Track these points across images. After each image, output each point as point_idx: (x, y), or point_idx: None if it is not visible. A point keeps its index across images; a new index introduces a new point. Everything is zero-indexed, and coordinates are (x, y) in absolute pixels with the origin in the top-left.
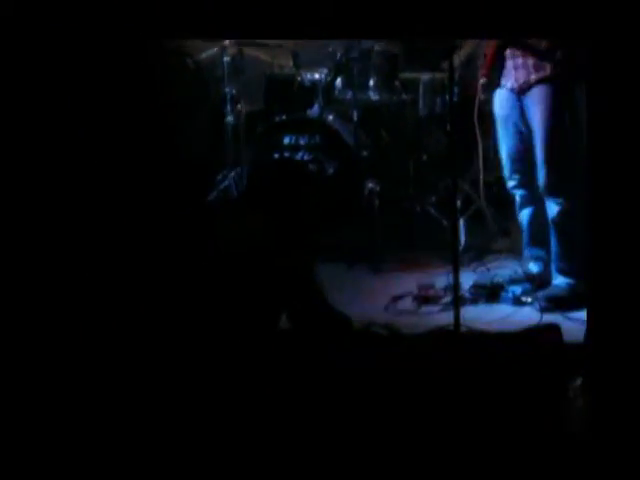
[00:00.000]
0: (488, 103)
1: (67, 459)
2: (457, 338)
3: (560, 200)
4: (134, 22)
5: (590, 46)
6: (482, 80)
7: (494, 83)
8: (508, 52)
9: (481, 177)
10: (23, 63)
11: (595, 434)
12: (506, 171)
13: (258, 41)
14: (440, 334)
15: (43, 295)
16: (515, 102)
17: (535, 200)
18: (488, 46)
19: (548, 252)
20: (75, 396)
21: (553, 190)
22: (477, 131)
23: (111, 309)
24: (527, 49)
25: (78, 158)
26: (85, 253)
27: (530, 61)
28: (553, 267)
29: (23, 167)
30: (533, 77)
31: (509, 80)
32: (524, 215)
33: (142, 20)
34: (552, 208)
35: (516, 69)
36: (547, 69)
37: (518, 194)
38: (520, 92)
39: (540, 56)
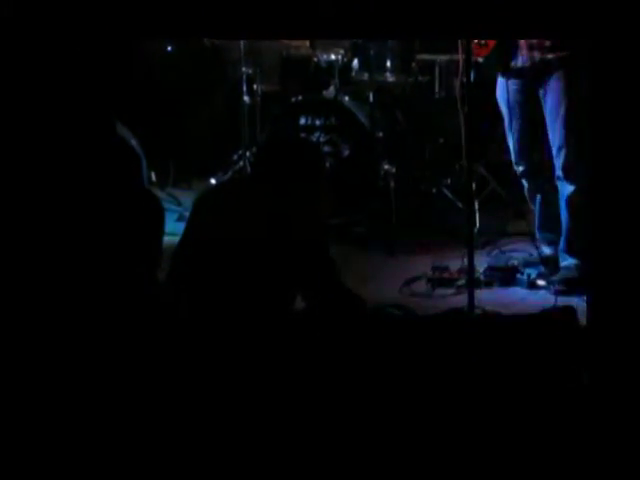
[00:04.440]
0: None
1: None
2: (471, 320)
3: (577, 181)
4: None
5: (590, 45)
6: (480, 59)
7: (496, 64)
8: None
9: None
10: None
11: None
12: (513, 157)
13: None
14: (454, 316)
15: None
16: (522, 87)
17: (542, 189)
18: None
19: (559, 236)
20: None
21: (571, 170)
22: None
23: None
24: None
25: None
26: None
27: (547, 42)
28: (561, 248)
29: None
30: (551, 55)
31: (520, 59)
32: (536, 202)
33: (148, 19)
34: (566, 188)
35: (531, 49)
36: (565, 49)
37: (525, 182)
38: (532, 75)
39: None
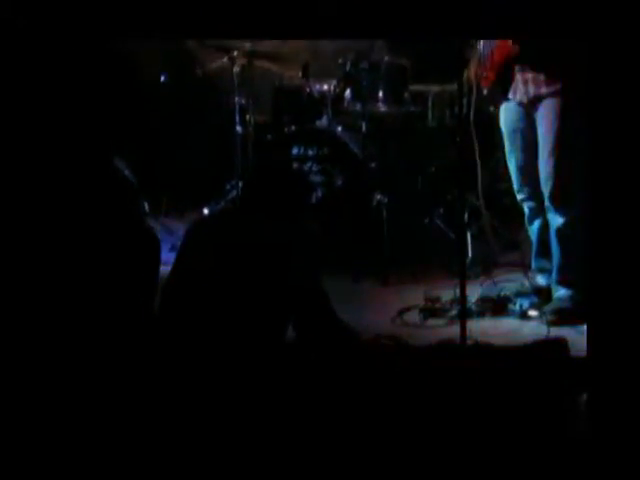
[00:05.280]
0: (496, 115)
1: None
2: (463, 352)
3: (565, 211)
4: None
5: (588, 46)
6: (484, 91)
7: (497, 96)
8: (517, 66)
9: (480, 191)
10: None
11: (598, 445)
12: (515, 184)
13: (268, 52)
14: (446, 347)
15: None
16: (524, 115)
17: (544, 212)
18: (493, 55)
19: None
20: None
21: (559, 201)
22: (475, 143)
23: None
24: (537, 64)
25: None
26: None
27: (541, 76)
28: (554, 279)
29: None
30: (544, 90)
31: (518, 94)
32: (534, 227)
33: (152, 17)
34: (556, 219)
35: (526, 83)
36: (557, 84)
37: (527, 206)
38: (530, 105)
39: (550, 71)
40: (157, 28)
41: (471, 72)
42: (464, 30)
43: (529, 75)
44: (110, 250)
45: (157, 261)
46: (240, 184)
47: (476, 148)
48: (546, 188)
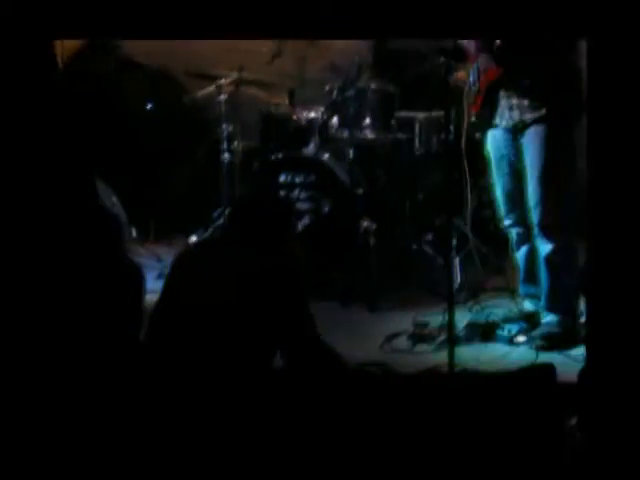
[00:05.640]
0: (482, 142)
1: None
2: (451, 379)
3: (553, 238)
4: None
5: (588, 44)
6: (472, 118)
7: (485, 122)
8: (502, 92)
9: (468, 218)
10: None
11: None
12: (502, 210)
13: (255, 79)
14: (434, 374)
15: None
16: (510, 141)
17: (531, 237)
18: (481, 81)
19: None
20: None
21: (547, 228)
22: (465, 169)
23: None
24: (521, 90)
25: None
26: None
27: (525, 102)
28: (543, 305)
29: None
30: (528, 117)
31: (503, 119)
32: (520, 253)
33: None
34: (544, 246)
35: (510, 109)
36: (542, 109)
37: (514, 232)
38: (516, 131)
39: (534, 97)
40: (158, 28)
41: (458, 76)
42: (464, 30)
43: (514, 101)
44: (92, 284)
45: (140, 295)
46: (226, 212)
47: (466, 174)
48: (535, 215)
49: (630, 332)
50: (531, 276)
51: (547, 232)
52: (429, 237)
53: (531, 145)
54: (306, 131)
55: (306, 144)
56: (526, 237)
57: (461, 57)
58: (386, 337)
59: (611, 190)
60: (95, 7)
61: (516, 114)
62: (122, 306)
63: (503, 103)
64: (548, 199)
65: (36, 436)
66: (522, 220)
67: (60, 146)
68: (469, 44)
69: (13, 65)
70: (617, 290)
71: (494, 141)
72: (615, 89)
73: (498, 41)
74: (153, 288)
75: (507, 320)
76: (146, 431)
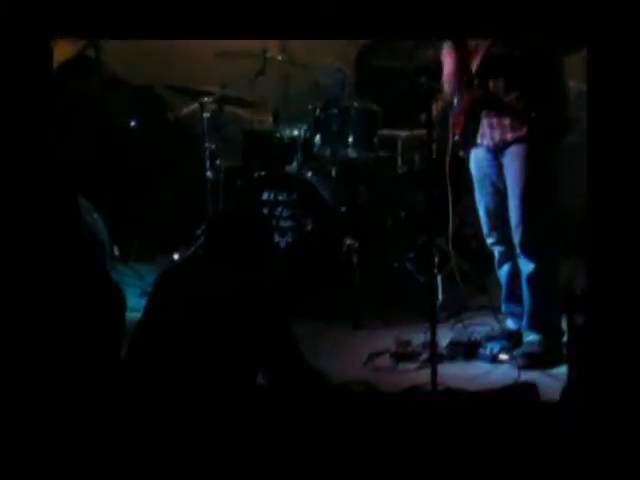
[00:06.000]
0: (466, 160)
1: None
2: (434, 397)
3: (535, 257)
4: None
5: (589, 45)
6: (456, 137)
7: (469, 141)
8: (484, 111)
9: (450, 237)
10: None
11: None
12: (485, 228)
13: (238, 97)
14: (416, 393)
15: None
16: (492, 160)
17: (514, 256)
18: (461, 103)
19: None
20: None
21: (529, 248)
22: (449, 188)
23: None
24: (502, 109)
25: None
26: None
27: (506, 121)
28: (525, 324)
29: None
30: (509, 136)
31: (485, 139)
32: (503, 271)
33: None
34: (527, 265)
35: (492, 128)
36: (522, 129)
37: (497, 250)
38: (497, 151)
39: (515, 116)
40: (159, 27)
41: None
42: (463, 29)
43: (494, 120)
44: (72, 303)
45: (120, 314)
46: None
47: (449, 192)
48: (516, 235)
49: (612, 352)
50: (514, 294)
51: (529, 251)
52: (411, 255)
53: (512, 164)
54: (289, 149)
55: (289, 162)
56: (509, 255)
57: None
58: (369, 355)
59: (611, 193)
60: (95, 7)
61: (497, 133)
62: (102, 325)
63: (485, 122)
64: (529, 219)
65: (18, 452)
66: (505, 238)
67: (46, 157)
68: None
69: (10, 64)
70: (600, 307)
71: (477, 160)
72: (615, 92)
73: (476, 63)
74: (136, 306)
75: (489, 338)
76: (128, 449)
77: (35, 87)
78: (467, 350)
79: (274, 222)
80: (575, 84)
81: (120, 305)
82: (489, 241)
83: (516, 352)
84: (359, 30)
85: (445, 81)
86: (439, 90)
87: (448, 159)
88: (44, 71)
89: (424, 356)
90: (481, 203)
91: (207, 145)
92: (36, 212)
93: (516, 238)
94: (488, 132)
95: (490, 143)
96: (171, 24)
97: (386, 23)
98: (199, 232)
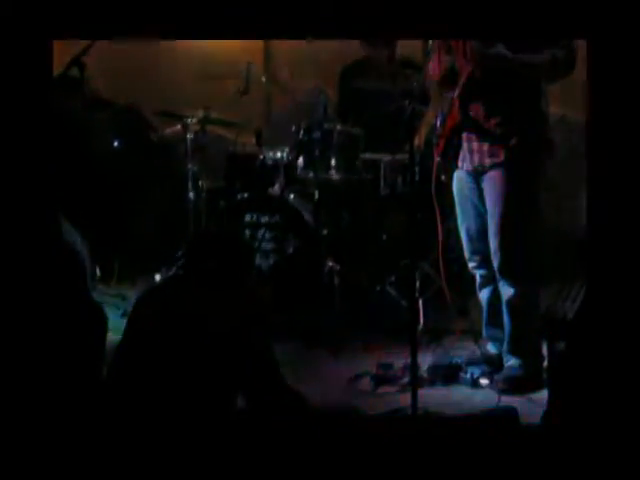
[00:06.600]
0: (449, 183)
1: None
2: (414, 421)
3: (515, 282)
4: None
5: (588, 44)
6: (437, 160)
7: (450, 164)
8: (464, 135)
9: (441, 259)
10: None
11: None
12: (466, 251)
13: (221, 119)
14: (396, 417)
15: None
16: (473, 184)
17: (495, 280)
18: (445, 123)
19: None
20: None
21: (508, 273)
22: (436, 210)
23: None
24: (481, 134)
25: None
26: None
27: (485, 146)
28: (505, 348)
29: None
30: (487, 162)
31: (465, 163)
32: (484, 295)
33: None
34: (507, 290)
35: (471, 153)
36: (501, 155)
37: (479, 274)
38: (477, 175)
39: (494, 142)
40: (160, 27)
41: (421, 139)
42: (463, 30)
43: (474, 144)
44: (53, 323)
45: (101, 335)
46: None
47: (437, 215)
48: (495, 259)
49: (592, 377)
50: (495, 318)
51: (508, 276)
52: (393, 279)
53: (491, 190)
54: (272, 171)
55: (272, 184)
56: (490, 279)
57: (425, 100)
58: (350, 378)
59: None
60: (95, 7)
61: (476, 158)
62: (83, 345)
63: (465, 146)
64: (508, 244)
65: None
66: (486, 262)
67: (42, 162)
68: (435, 69)
69: (10, 65)
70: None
71: (459, 183)
72: (615, 92)
73: (459, 89)
74: (118, 327)
75: (470, 363)
76: (108, 469)
77: (35, 88)
78: (448, 374)
79: (256, 244)
80: (556, 110)
81: (101, 325)
82: (470, 265)
83: (497, 376)
84: (359, 30)
85: (433, 77)
86: (423, 114)
87: (433, 182)
88: (44, 72)
89: (405, 380)
90: (463, 226)
91: (190, 166)
92: (18, 228)
93: (495, 263)
94: (468, 156)
95: (470, 167)
96: (171, 24)
97: (386, 23)
98: (180, 253)
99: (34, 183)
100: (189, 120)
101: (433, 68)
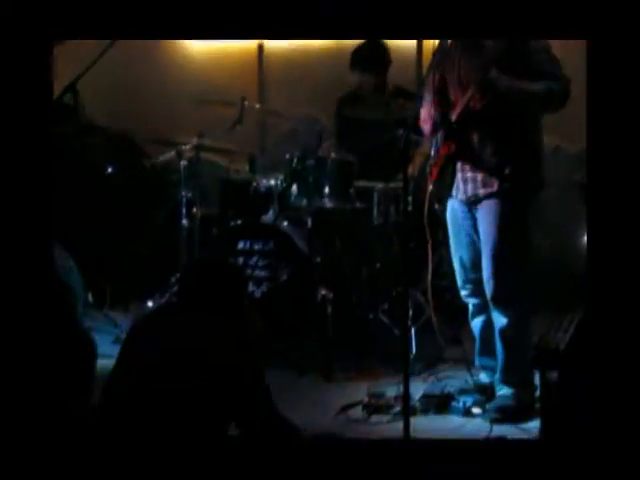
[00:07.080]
0: (442, 212)
1: None
2: (405, 450)
3: (507, 312)
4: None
5: (587, 45)
6: (430, 188)
7: (444, 193)
8: (458, 165)
9: (429, 288)
10: None
11: None
12: (459, 280)
13: (215, 146)
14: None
15: None
16: (467, 213)
17: (488, 309)
18: (439, 152)
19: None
20: None
21: (501, 302)
22: (428, 239)
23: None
24: (475, 164)
25: None
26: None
27: (479, 176)
28: (498, 377)
29: None
30: (481, 192)
31: (459, 192)
32: (476, 324)
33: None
34: (500, 319)
35: (465, 182)
36: (495, 185)
37: (471, 303)
38: (471, 204)
39: (488, 172)
40: (160, 27)
41: (415, 168)
42: (463, 29)
43: (468, 174)
44: (41, 352)
45: (90, 364)
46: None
47: (429, 245)
48: (488, 289)
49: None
50: (487, 348)
51: (501, 306)
52: (386, 307)
53: (484, 220)
54: (265, 198)
55: (265, 211)
56: (482, 308)
57: (419, 130)
58: (341, 407)
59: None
60: (95, 7)
61: (470, 188)
62: (71, 372)
63: (459, 176)
64: (501, 274)
65: None
66: (479, 291)
67: (43, 164)
68: (425, 120)
69: (10, 65)
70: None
71: (452, 212)
72: (615, 93)
73: (455, 115)
74: (110, 353)
75: (462, 392)
76: None
77: (35, 88)
78: (440, 403)
79: (249, 271)
80: (551, 140)
81: (90, 352)
82: (463, 293)
83: (489, 406)
84: (359, 30)
85: (422, 122)
86: (417, 143)
87: (426, 211)
88: (44, 72)
89: (397, 408)
90: (456, 255)
91: (183, 193)
92: (9, 253)
93: (488, 292)
94: (462, 186)
95: (463, 197)
96: (171, 24)
97: (386, 23)
98: (174, 280)
99: (29, 205)
100: (183, 147)
101: (424, 116)
